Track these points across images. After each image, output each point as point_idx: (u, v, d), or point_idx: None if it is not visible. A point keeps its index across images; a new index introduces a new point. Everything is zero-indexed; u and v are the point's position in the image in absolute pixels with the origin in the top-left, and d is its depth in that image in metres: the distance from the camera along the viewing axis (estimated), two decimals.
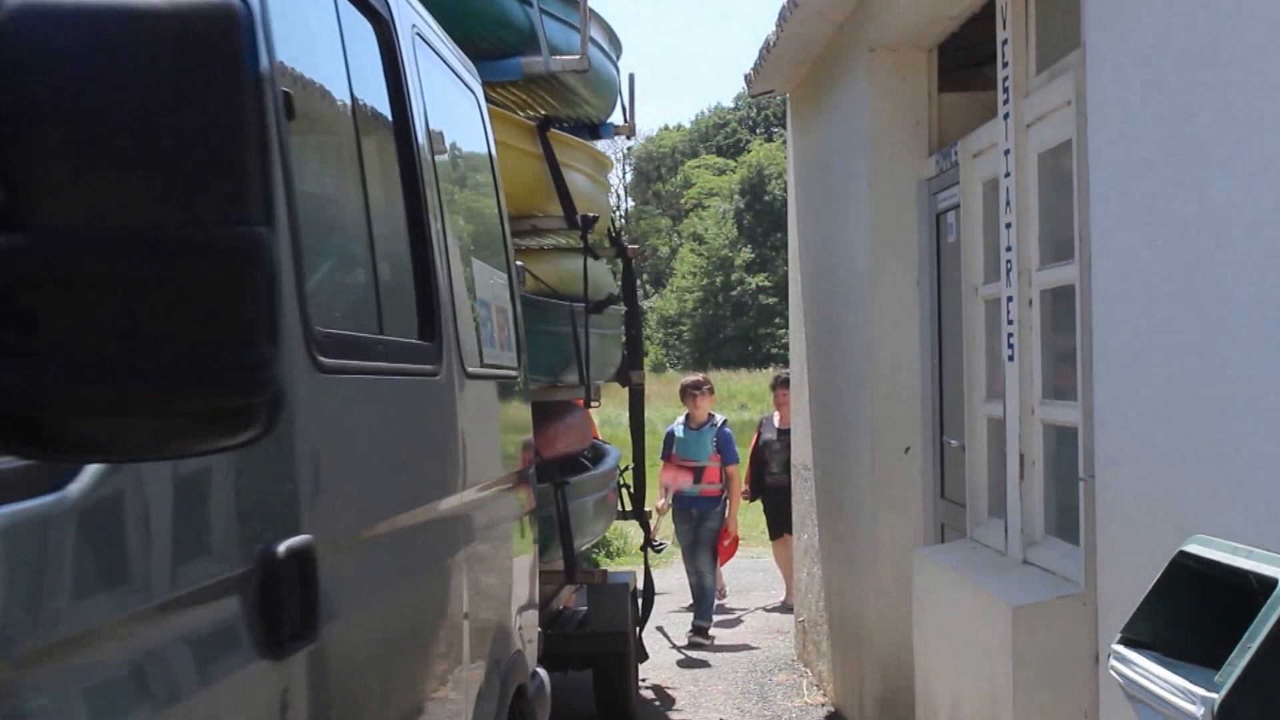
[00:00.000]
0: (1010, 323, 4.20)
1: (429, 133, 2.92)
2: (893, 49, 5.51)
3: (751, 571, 10.51)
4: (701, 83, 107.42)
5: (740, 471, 8.94)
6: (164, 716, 1.45)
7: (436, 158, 2.96)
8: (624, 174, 61.13)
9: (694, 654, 8.09)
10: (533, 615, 3.96)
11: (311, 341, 1.90)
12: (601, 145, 7.24)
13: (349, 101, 2.36)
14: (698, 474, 8.61)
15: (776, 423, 9.16)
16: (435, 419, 2.78)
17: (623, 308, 6.93)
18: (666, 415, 9.55)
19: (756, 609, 9.54)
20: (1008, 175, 4.19)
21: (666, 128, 64.82)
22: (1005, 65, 4.22)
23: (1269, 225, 2.47)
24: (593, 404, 6.34)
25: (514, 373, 3.80)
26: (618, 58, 6.76)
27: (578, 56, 5.40)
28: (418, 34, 2.96)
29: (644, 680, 7.08)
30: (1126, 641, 2.25)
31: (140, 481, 1.44)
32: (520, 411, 3.94)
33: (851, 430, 6.05)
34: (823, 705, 6.75)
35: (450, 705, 2.76)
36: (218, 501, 1.64)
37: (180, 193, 1.15)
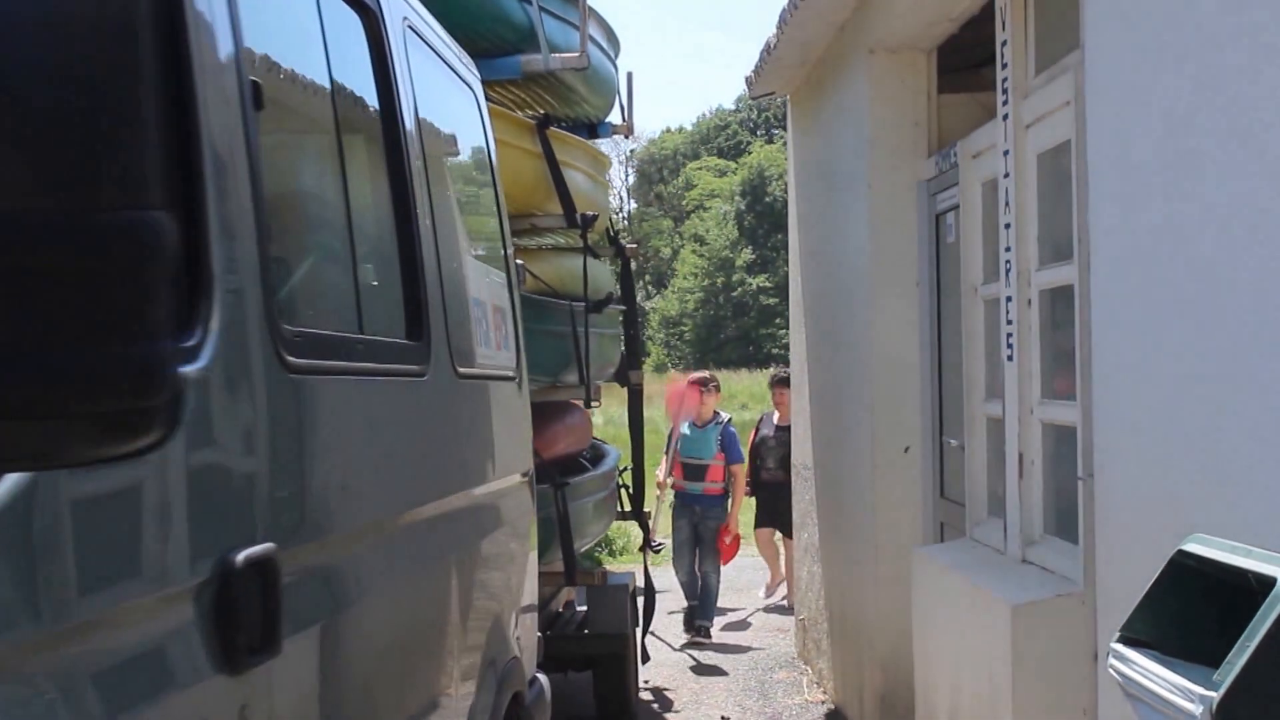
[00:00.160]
0: (1009, 323, 4.20)
1: (420, 128, 2.83)
2: (892, 51, 5.52)
3: (753, 570, 10.51)
4: (702, 85, 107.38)
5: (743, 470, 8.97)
6: None
7: (428, 154, 2.88)
8: (626, 176, 61.18)
9: (695, 653, 8.09)
10: (531, 620, 3.88)
11: (278, 341, 1.82)
12: (602, 146, 7.23)
13: (329, 94, 2.28)
14: (702, 472, 8.58)
15: (775, 420, 9.24)
16: (422, 421, 2.67)
17: (621, 307, 6.90)
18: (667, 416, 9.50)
19: (756, 610, 9.51)
20: (1007, 176, 4.20)
21: (668, 130, 64.84)
22: (1004, 66, 4.23)
23: (1268, 225, 2.48)
24: (592, 404, 6.29)
25: (512, 373, 3.71)
26: (616, 56, 6.73)
27: (577, 54, 5.37)
28: (409, 27, 2.89)
29: (645, 682, 7.07)
30: (1125, 640, 2.25)
31: (77, 485, 1.33)
32: (518, 413, 3.84)
33: (851, 430, 6.06)
34: (823, 703, 6.76)
35: (438, 719, 2.66)
36: (170, 508, 1.53)
37: (68, 174, 1.06)
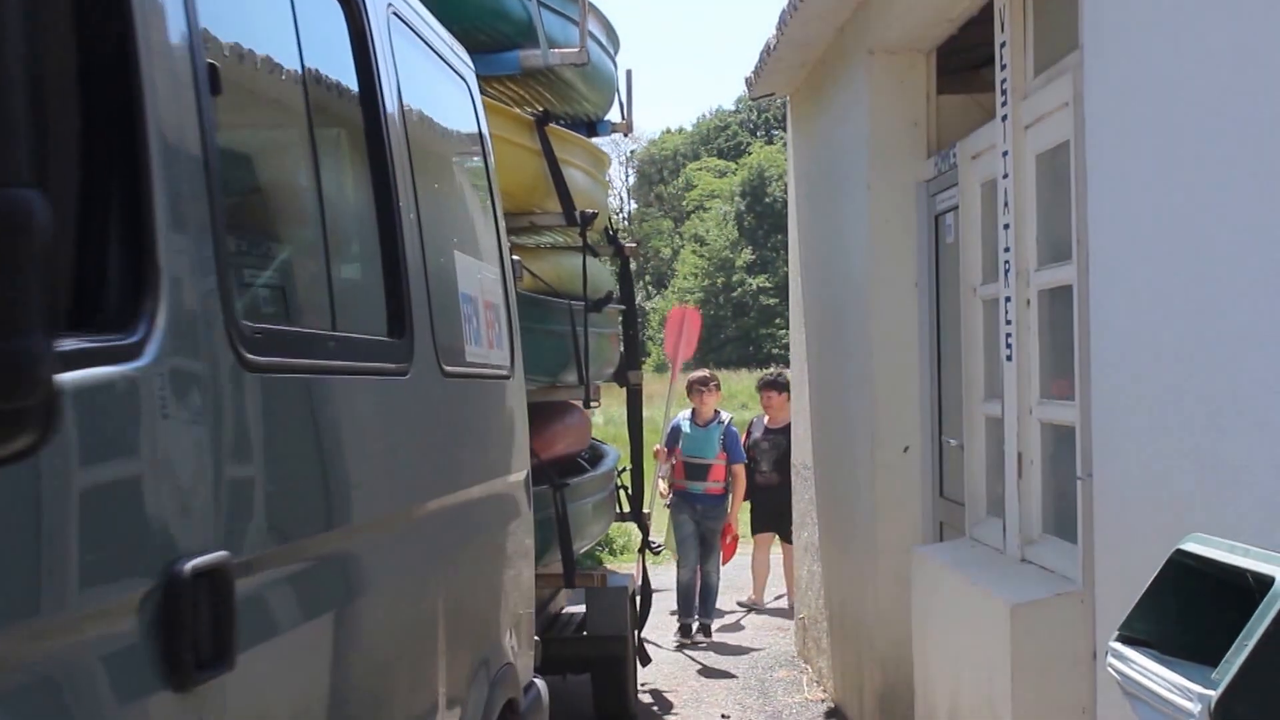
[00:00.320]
0: (1008, 323, 4.21)
1: (404, 119, 2.73)
2: (892, 52, 5.53)
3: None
4: (702, 86, 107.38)
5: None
6: None
7: (413, 146, 2.76)
8: (626, 176, 61.18)
9: (694, 652, 8.08)
10: (528, 624, 3.76)
11: (236, 337, 1.73)
12: (602, 145, 7.18)
13: (301, 80, 2.18)
14: (704, 471, 8.53)
15: (765, 423, 9.23)
16: (404, 421, 2.56)
17: (621, 307, 6.83)
18: (669, 416, 9.46)
19: (742, 614, 9.37)
20: (1006, 176, 4.21)
21: (668, 130, 64.86)
22: (1003, 67, 4.24)
23: (1266, 225, 2.49)
24: (592, 404, 6.23)
25: (506, 372, 3.59)
26: (616, 53, 6.65)
27: (576, 50, 5.31)
28: (394, 14, 2.79)
29: (643, 684, 7.03)
30: (1124, 639, 2.26)
31: (9, 486, 1.24)
32: (513, 413, 3.72)
33: (851, 429, 6.07)
34: (823, 701, 6.77)
35: None
36: (106, 514, 1.41)
37: None
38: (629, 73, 6.91)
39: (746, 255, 50.39)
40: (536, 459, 5.21)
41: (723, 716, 6.59)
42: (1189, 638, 2.17)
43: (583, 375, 5.73)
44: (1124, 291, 3.16)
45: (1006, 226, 4.22)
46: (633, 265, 7.31)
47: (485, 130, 3.78)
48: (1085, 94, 3.41)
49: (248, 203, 2.09)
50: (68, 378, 1.30)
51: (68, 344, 1.33)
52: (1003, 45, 4.25)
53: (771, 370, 10.13)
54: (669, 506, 8.71)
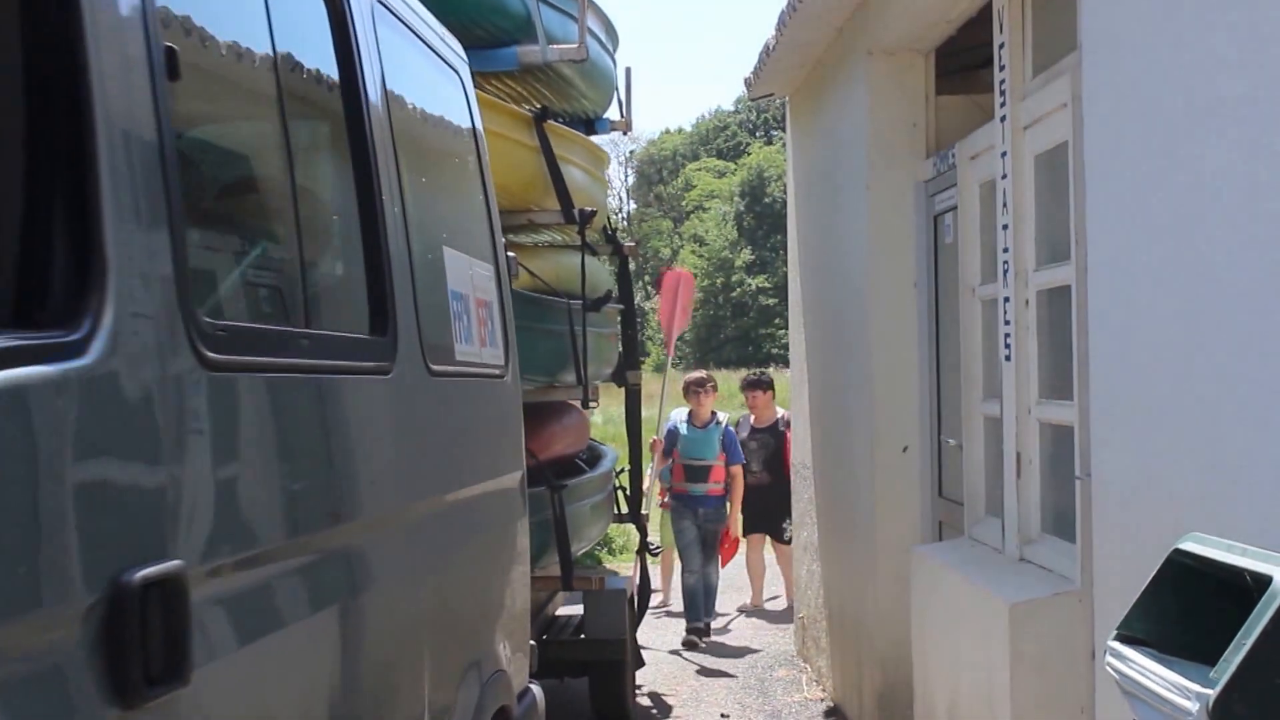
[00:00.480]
0: (1007, 323, 4.22)
1: (388, 111, 2.62)
2: (890, 53, 5.53)
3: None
4: (702, 86, 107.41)
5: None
6: None
7: (398, 138, 2.67)
8: (626, 176, 61.19)
9: (694, 652, 8.08)
10: (522, 629, 3.65)
11: (195, 334, 1.64)
12: (602, 145, 7.12)
13: (274, 66, 2.10)
14: (705, 473, 8.47)
15: (752, 422, 9.17)
16: (386, 422, 2.47)
17: (620, 306, 6.74)
18: (664, 403, 9.43)
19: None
20: (1005, 177, 4.22)
21: (667, 131, 64.91)
22: (1002, 68, 4.25)
23: (1264, 225, 2.49)
24: (590, 405, 6.15)
25: (499, 371, 3.49)
26: (615, 50, 6.57)
27: (575, 46, 5.25)
28: (380, 2, 2.70)
29: (640, 687, 6.97)
30: (1122, 638, 2.27)
31: None
32: (508, 413, 3.62)
33: (850, 429, 6.08)
34: (822, 700, 6.78)
35: None
36: (47, 521, 1.34)
37: None
38: (628, 70, 6.85)
39: (746, 255, 50.43)
40: (534, 460, 5.14)
41: (722, 716, 6.60)
42: (1187, 637, 2.18)
43: (581, 375, 5.66)
44: (1122, 292, 3.17)
45: (1005, 227, 4.23)
46: (632, 265, 7.26)
47: (479, 124, 3.67)
48: (1084, 95, 3.42)
49: (213, 194, 2.01)
50: (1, 376, 1.27)
51: (3, 341, 1.30)
52: (1001, 46, 4.26)
53: (754, 370, 10.07)
54: (670, 510, 8.66)
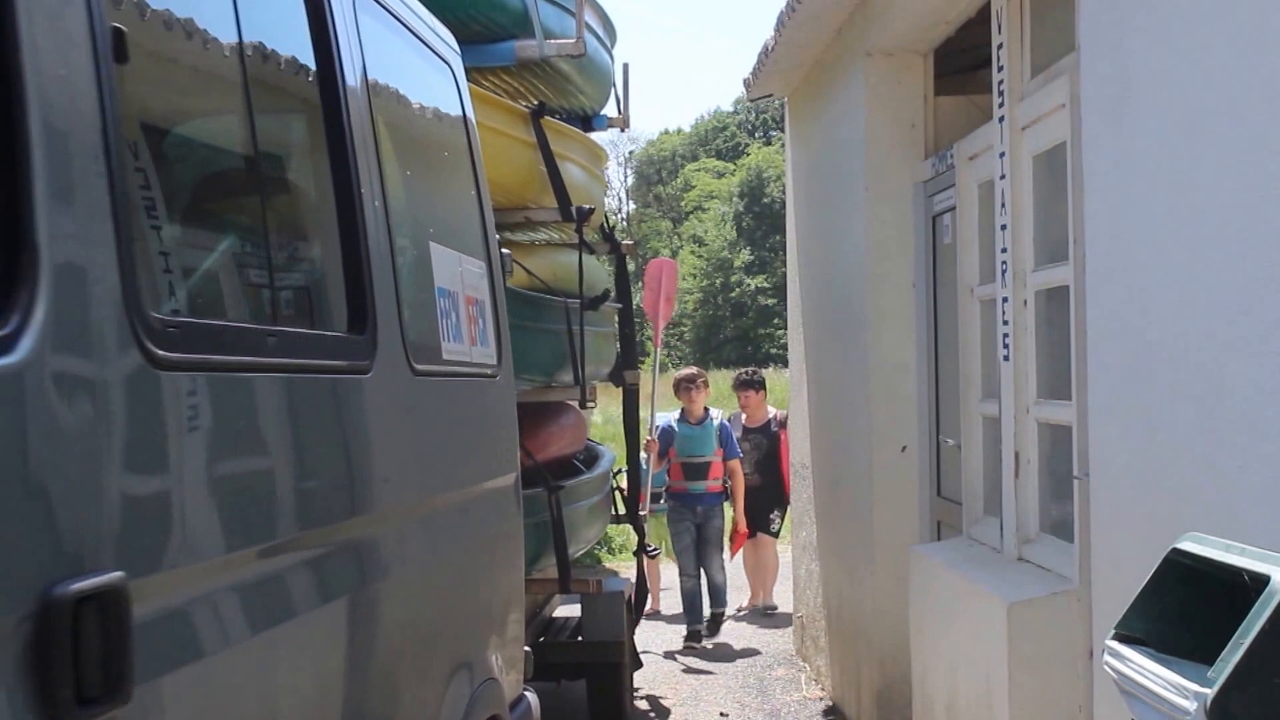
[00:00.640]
0: (1005, 323, 4.23)
1: (370, 101, 2.51)
2: (889, 53, 5.54)
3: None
4: (701, 87, 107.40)
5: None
6: None
7: (380, 130, 2.56)
8: (625, 177, 61.21)
9: (695, 648, 8.06)
10: (516, 635, 3.56)
11: (143, 331, 1.54)
12: (601, 144, 7.06)
13: (239, 52, 2.00)
14: (704, 470, 8.39)
15: (745, 422, 9.08)
16: (364, 424, 2.37)
17: (618, 305, 6.66)
18: (662, 410, 9.37)
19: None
20: (1003, 177, 4.22)
21: (666, 131, 64.92)
22: (1000, 69, 4.25)
23: (1261, 225, 2.50)
24: (588, 405, 6.07)
25: (491, 371, 3.39)
26: (612, 46, 6.48)
27: (573, 41, 5.18)
28: None
29: (638, 690, 6.94)
30: (1120, 637, 2.27)
31: None
32: (500, 413, 3.52)
33: (849, 429, 6.08)
34: (821, 699, 6.79)
35: None
36: None
37: None
38: (625, 66, 6.77)
39: (745, 256, 50.43)
40: (532, 461, 5.11)
41: (721, 715, 6.60)
42: (1185, 636, 2.18)
43: (579, 375, 5.60)
44: (1120, 292, 3.18)
45: (1004, 227, 4.23)
46: (630, 265, 7.21)
47: (471, 118, 3.55)
48: (1082, 95, 3.43)
49: (170, 184, 1.90)
50: None
51: None
52: (999, 47, 4.26)
53: (746, 369, 9.95)
54: (669, 511, 8.58)
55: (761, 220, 50.46)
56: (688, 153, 61.11)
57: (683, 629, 8.38)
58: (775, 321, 43.00)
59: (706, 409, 8.58)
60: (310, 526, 2.10)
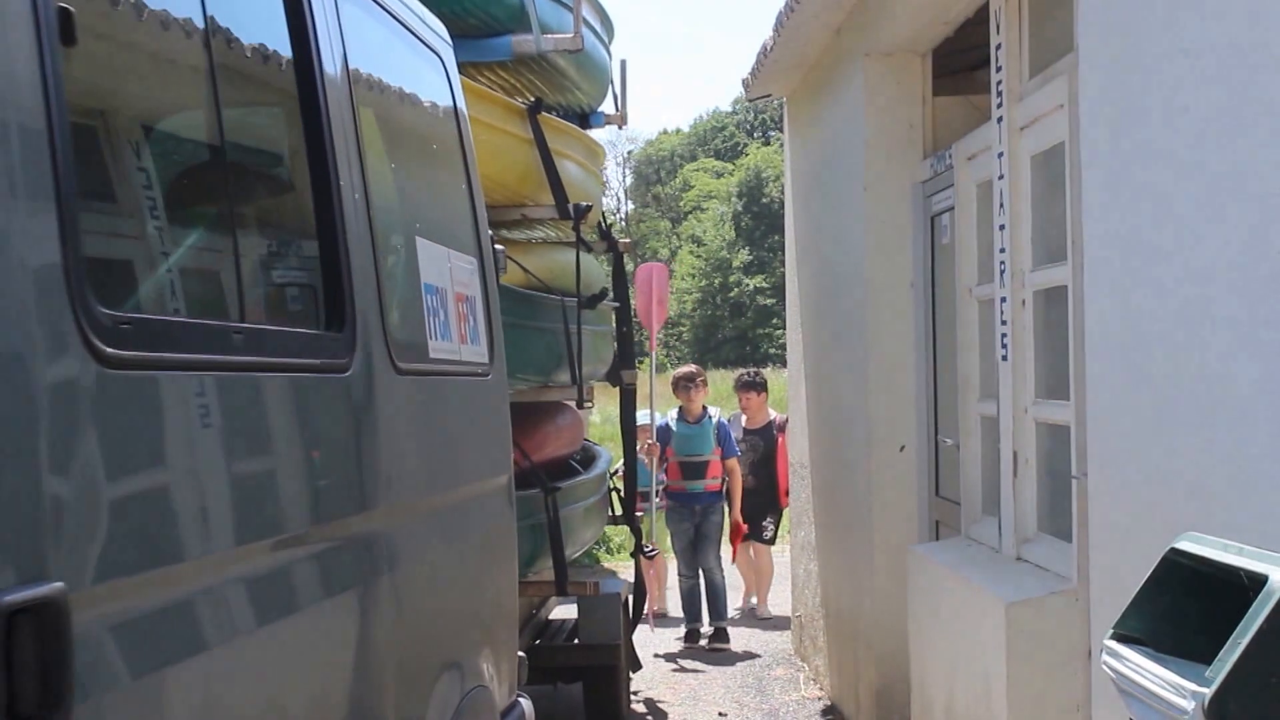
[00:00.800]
0: (1004, 323, 4.23)
1: (351, 91, 2.42)
2: (887, 54, 5.55)
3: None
4: (699, 87, 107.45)
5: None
6: None
7: (362, 121, 2.46)
8: (624, 177, 61.24)
9: (693, 648, 8.05)
10: (509, 640, 3.46)
11: (90, 327, 1.46)
12: (601, 143, 6.99)
13: (205, 36, 1.92)
14: (702, 469, 8.34)
15: (744, 424, 9.02)
16: (342, 424, 2.28)
17: (615, 304, 6.56)
18: (661, 412, 9.34)
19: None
20: (1001, 178, 4.23)
21: (665, 131, 64.94)
22: (998, 70, 4.26)
23: (1258, 225, 2.50)
24: (585, 404, 6.00)
25: (482, 370, 3.29)
26: (610, 42, 6.40)
27: (571, 36, 5.11)
28: None
29: (636, 693, 6.91)
30: (1118, 637, 2.27)
31: None
32: (492, 413, 3.41)
33: (848, 429, 6.09)
34: (819, 699, 6.79)
35: None
36: None
37: None
38: (623, 63, 6.70)
39: (744, 256, 50.43)
40: (528, 462, 5.08)
41: (720, 715, 6.61)
42: (1183, 636, 2.18)
43: (576, 374, 5.52)
44: (1118, 292, 3.18)
45: (1002, 227, 4.24)
46: (630, 265, 7.15)
47: (463, 111, 3.45)
48: (1080, 96, 3.43)
49: (127, 174, 1.81)
50: None
51: None
52: (998, 47, 4.27)
53: (748, 370, 9.85)
54: (667, 511, 8.53)
55: (760, 220, 50.46)
56: (686, 153, 61.13)
57: (682, 630, 8.38)
58: (774, 321, 43.01)
59: (705, 408, 8.53)
60: (283, 532, 2.01)
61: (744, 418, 9.11)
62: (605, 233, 6.69)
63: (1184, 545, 2.24)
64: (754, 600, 9.36)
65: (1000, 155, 4.23)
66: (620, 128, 7.09)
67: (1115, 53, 3.19)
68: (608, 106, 6.68)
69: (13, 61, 1.41)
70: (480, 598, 3.24)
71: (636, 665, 6.64)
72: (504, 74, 5.43)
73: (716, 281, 50.65)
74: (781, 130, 9.05)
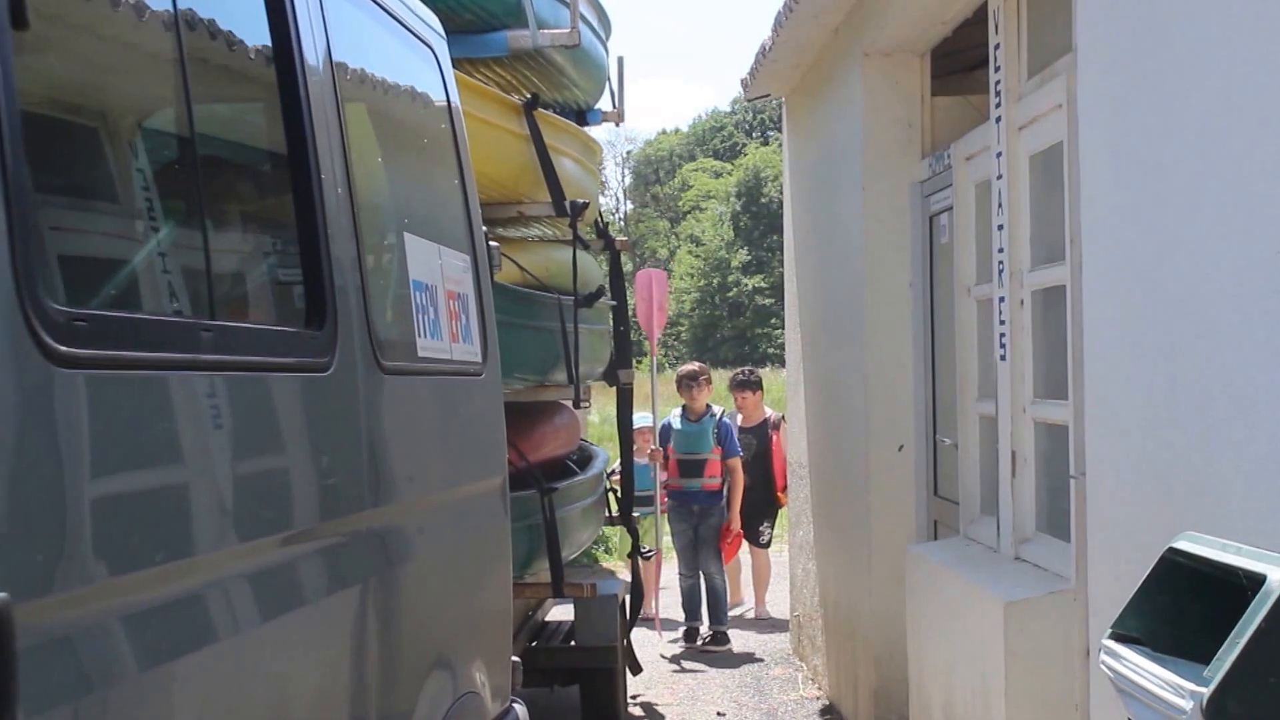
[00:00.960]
0: (1002, 323, 4.23)
1: (334, 83, 2.35)
2: (886, 54, 5.55)
3: (749, 569, 10.48)
4: (698, 87, 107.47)
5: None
6: None
7: (347, 114, 2.39)
8: (623, 177, 61.25)
9: (691, 648, 8.04)
10: (502, 645, 3.38)
11: (40, 323, 1.40)
12: (599, 143, 6.93)
13: (174, 24, 1.84)
14: (700, 467, 8.28)
15: (740, 422, 8.96)
16: (321, 425, 2.21)
17: (612, 303, 6.46)
18: (663, 414, 9.32)
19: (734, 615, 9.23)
20: (1000, 177, 4.23)
21: (664, 131, 64.97)
22: (997, 69, 4.26)
23: (1258, 227, 2.50)
24: (582, 404, 5.93)
25: (474, 369, 3.22)
26: (607, 38, 6.34)
27: (567, 31, 5.06)
28: None
29: (635, 697, 6.86)
30: (1117, 636, 2.28)
31: None
32: (485, 413, 3.33)
33: (846, 429, 6.09)
34: (818, 699, 6.79)
35: None
36: None
37: None
38: (620, 59, 6.62)
39: (742, 256, 50.48)
40: (525, 462, 5.05)
41: (718, 714, 6.61)
42: (1181, 635, 2.19)
43: (572, 374, 5.46)
44: (1116, 291, 3.18)
45: (1000, 227, 4.24)
46: (628, 265, 7.11)
47: (456, 105, 3.37)
48: (1078, 96, 3.43)
49: (84, 164, 1.74)
50: None
51: None
52: (996, 47, 4.27)
53: (742, 369, 9.80)
54: (668, 511, 8.49)
55: (759, 220, 50.50)
56: (685, 153, 61.16)
57: (679, 631, 8.37)
58: (772, 321, 43.05)
59: (709, 405, 8.48)
60: (260, 537, 1.93)
61: (739, 416, 9.08)
62: (602, 231, 6.63)
63: (1182, 545, 2.24)
64: (742, 606, 9.28)
65: (999, 155, 4.24)
66: (617, 124, 7.04)
67: (1114, 52, 3.19)
68: (605, 103, 6.62)
69: None
70: (472, 603, 3.16)
71: (636, 669, 6.58)
72: (500, 70, 5.38)
73: (715, 281, 50.69)
74: (780, 130, 9.04)
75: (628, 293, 7.11)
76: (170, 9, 1.83)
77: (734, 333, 49.24)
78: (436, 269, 2.96)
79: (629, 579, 6.66)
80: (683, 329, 51.11)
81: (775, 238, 42.01)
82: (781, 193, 8.59)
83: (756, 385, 9.08)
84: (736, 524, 8.59)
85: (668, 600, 8.99)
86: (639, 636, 6.92)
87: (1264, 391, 2.47)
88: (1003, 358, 4.24)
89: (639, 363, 7.59)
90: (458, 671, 2.92)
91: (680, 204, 57.23)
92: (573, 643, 5.99)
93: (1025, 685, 3.68)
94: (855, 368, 5.82)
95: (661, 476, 8.41)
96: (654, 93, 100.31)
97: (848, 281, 5.97)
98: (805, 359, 7.29)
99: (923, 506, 5.57)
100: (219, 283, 1.94)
